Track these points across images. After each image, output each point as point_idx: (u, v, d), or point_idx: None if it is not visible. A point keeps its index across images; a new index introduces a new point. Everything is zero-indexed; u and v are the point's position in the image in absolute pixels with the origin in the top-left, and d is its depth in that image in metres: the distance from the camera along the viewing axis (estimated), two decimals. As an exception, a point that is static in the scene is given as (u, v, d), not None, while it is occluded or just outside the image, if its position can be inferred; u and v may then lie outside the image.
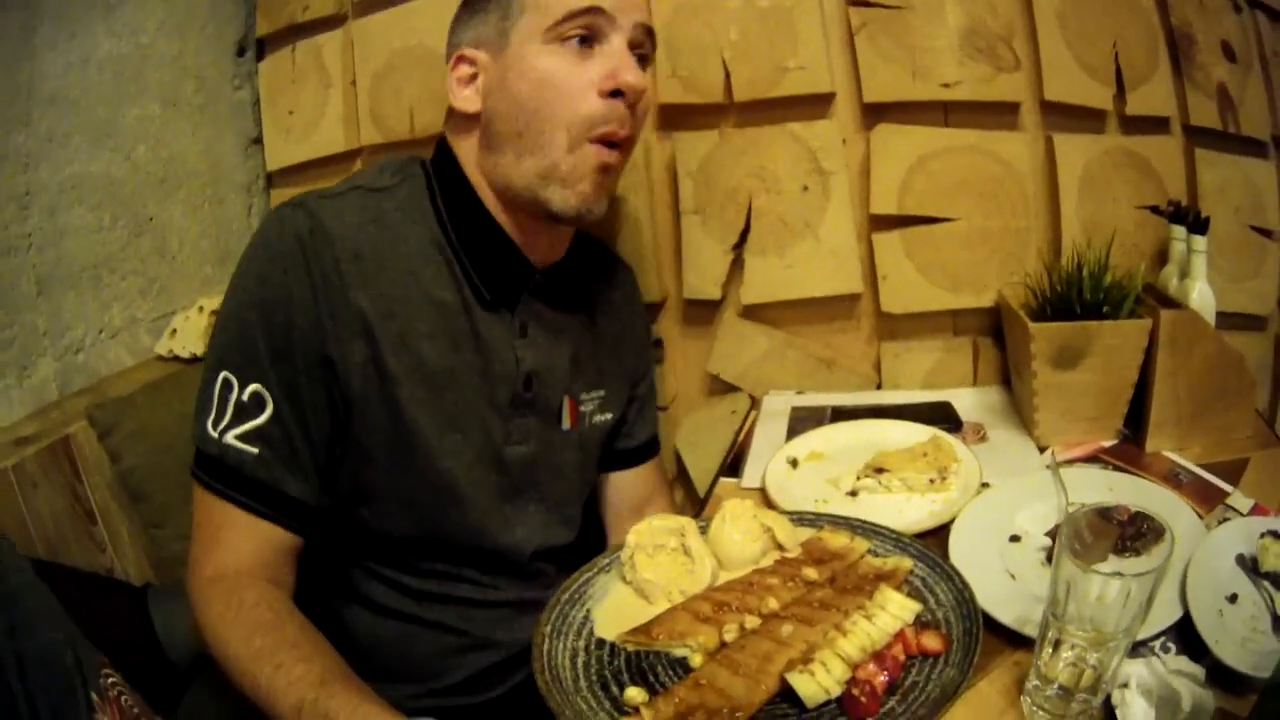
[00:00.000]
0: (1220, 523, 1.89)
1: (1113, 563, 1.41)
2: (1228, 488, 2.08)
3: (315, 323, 1.81)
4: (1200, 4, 2.62)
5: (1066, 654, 1.39)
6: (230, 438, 1.81)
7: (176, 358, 2.65)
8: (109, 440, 2.29)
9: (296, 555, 1.92)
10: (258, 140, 3.19)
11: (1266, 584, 1.65)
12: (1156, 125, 2.66)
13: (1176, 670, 1.43)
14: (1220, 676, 1.45)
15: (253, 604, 1.74)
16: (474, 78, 1.96)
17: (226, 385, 1.82)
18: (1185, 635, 1.57)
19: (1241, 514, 1.96)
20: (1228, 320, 2.44)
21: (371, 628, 2.06)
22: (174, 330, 2.68)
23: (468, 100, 1.97)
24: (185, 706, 2.08)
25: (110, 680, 1.24)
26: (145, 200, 2.73)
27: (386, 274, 1.89)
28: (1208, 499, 2.03)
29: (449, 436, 1.98)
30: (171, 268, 2.82)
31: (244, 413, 1.82)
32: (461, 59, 1.97)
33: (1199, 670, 1.45)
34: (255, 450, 1.82)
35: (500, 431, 2.06)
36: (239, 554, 1.83)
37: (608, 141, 1.91)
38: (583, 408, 2.24)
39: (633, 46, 1.94)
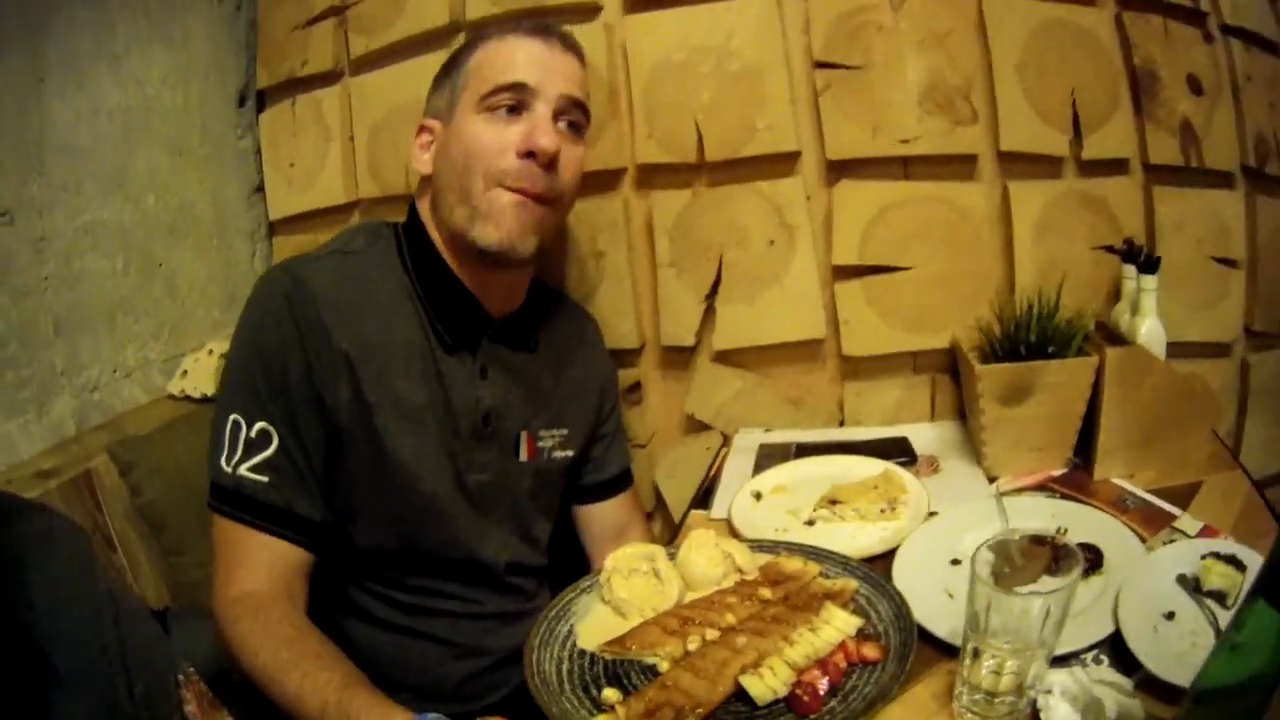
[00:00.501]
0: (1165, 544, 2.05)
1: (1045, 583, 1.57)
2: (1176, 511, 2.21)
3: (305, 365, 2.10)
4: (1166, 39, 2.75)
5: (988, 662, 1.56)
6: (243, 470, 2.08)
7: (188, 397, 2.81)
8: (130, 476, 2.45)
9: (309, 571, 2.17)
10: (260, 189, 3.33)
11: (1210, 602, 1.79)
12: (1114, 167, 2.80)
13: (1099, 679, 1.57)
14: (1155, 688, 1.59)
15: (277, 620, 1.98)
16: (430, 144, 2.30)
17: (236, 425, 2.10)
18: (1118, 651, 1.71)
19: (1189, 535, 2.09)
20: (1187, 349, 2.62)
21: (369, 639, 2.30)
22: (185, 371, 2.86)
23: (424, 163, 2.31)
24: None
25: (189, 668, 1.41)
26: (155, 246, 2.87)
27: (363, 321, 2.16)
28: (1153, 523, 2.17)
29: (421, 461, 2.24)
30: (181, 310, 2.97)
31: (253, 447, 2.09)
32: (422, 128, 2.32)
33: (1125, 680, 1.60)
34: (266, 479, 2.09)
35: (464, 460, 2.32)
36: (259, 573, 2.07)
37: (519, 191, 2.19)
38: (541, 443, 2.48)
39: (559, 114, 2.21)
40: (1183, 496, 2.28)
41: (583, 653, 1.94)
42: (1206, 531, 2.10)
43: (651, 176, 3.00)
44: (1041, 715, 1.55)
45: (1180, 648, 1.67)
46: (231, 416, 2.10)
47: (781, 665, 1.74)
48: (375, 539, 2.27)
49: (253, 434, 2.09)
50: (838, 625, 1.86)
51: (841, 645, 1.81)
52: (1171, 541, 2.08)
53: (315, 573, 2.20)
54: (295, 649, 1.92)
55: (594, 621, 2.04)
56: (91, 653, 1.27)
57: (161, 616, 2.36)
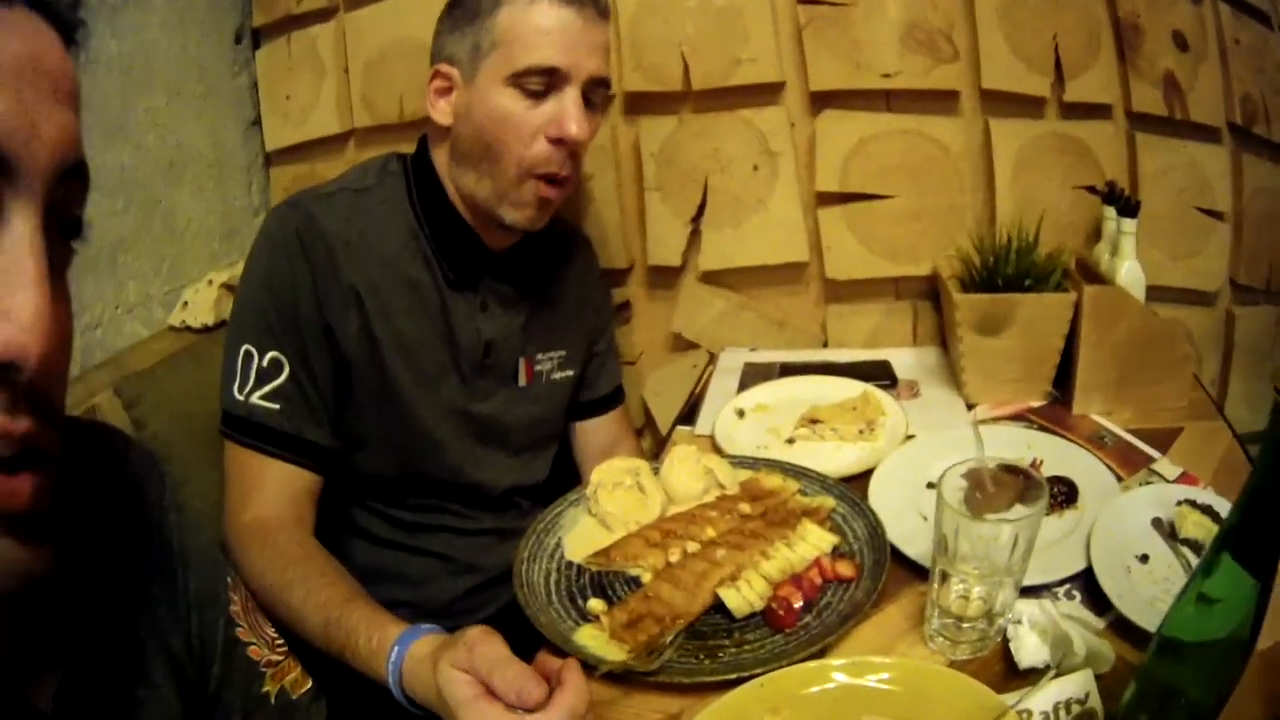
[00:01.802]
0: (1141, 485, 2.02)
1: (1017, 511, 1.55)
2: (1155, 454, 2.18)
3: (315, 298, 2.10)
4: None
5: (956, 587, 1.57)
6: (255, 398, 2.09)
7: (189, 328, 2.76)
8: (134, 410, 2.40)
9: (317, 495, 2.18)
10: (256, 122, 3.29)
11: (1186, 550, 1.75)
12: (1096, 111, 2.77)
13: (1068, 614, 1.54)
14: (1125, 630, 1.57)
15: (285, 542, 2.01)
16: (448, 91, 2.19)
17: (248, 355, 2.09)
18: (1091, 589, 1.69)
19: (1166, 480, 2.06)
20: (1168, 294, 2.63)
21: (371, 556, 2.33)
22: (185, 303, 2.80)
23: (442, 113, 2.20)
24: None
25: (233, 577, 1.39)
26: (154, 184, 2.82)
27: (371, 258, 2.16)
28: (1130, 463, 2.15)
29: (425, 393, 2.26)
30: (181, 245, 2.92)
31: (265, 376, 2.09)
32: (438, 73, 2.19)
33: (1092, 617, 1.61)
34: (277, 406, 2.09)
35: (466, 391, 2.33)
36: (270, 498, 2.08)
37: (549, 178, 2.16)
38: (539, 366, 2.48)
39: (586, 93, 2.15)
40: (1163, 440, 2.26)
41: (569, 564, 1.96)
42: (1185, 478, 2.07)
43: (638, 104, 2.98)
44: (1011, 644, 1.55)
45: (1152, 593, 1.66)
46: (244, 347, 2.10)
47: (758, 579, 1.75)
48: (380, 465, 2.29)
49: (264, 363, 2.10)
50: (813, 542, 1.87)
51: (817, 562, 1.82)
52: (1148, 483, 2.06)
53: (321, 495, 2.21)
54: (301, 568, 1.93)
55: (581, 534, 2.05)
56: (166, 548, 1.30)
57: None
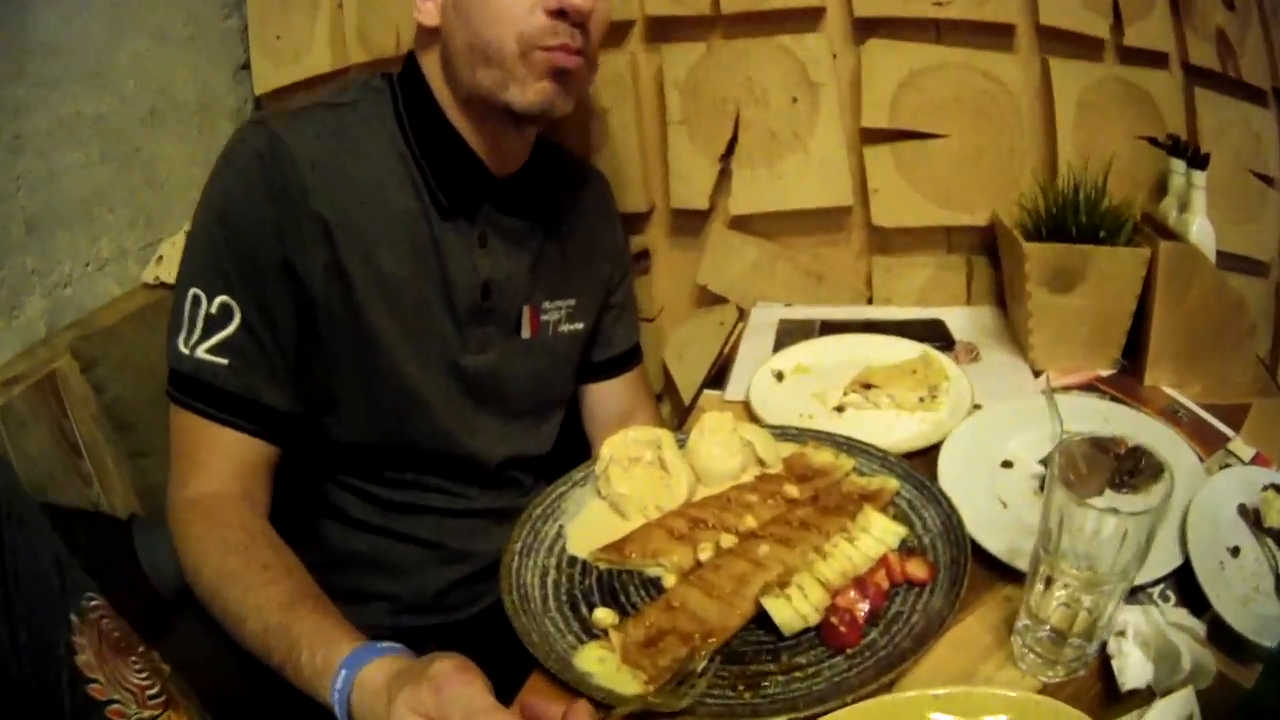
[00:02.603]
0: (1221, 468, 1.79)
1: (1108, 498, 1.31)
2: (1229, 432, 1.96)
3: (275, 230, 1.78)
4: None
5: (1059, 593, 1.30)
6: (201, 352, 1.78)
7: (164, 284, 2.57)
8: (93, 373, 2.22)
9: (273, 468, 1.88)
10: (245, 66, 3.10)
11: (1270, 541, 1.54)
12: (1155, 59, 2.51)
13: (1175, 623, 1.32)
14: (1219, 636, 1.36)
15: (227, 524, 1.71)
16: None
17: (195, 301, 1.78)
18: (1184, 585, 1.48)
19: (1243, 461, 1.84)
20: (1227, 262, 2.36)
21: (345, 541, 2.05)
22: (160, 257, 2.61)
23: (428, 14, 1.94)
24: (171, 638, 1.95)
25: (93, 603, 1.20)
26: (134, 133, 2.66)
27: (346, 182, 1.86)
28: (1208, 441, 1.92)
29: (409, 343, 1.95)
30: (160, 196, 2.75)
31: (213, 325, 1.78)
32: None
33: (1199, 626, 1.35)
34: (225, 361, 1.78)
35: (458, 340, 2.03)
36: (217, 473, 1.79)
37: (559, 49, 1.86)
38: (545, 316, 2.18)
39: None
40: (1233, 418, 2.02)
41: (573, 561, 1.63)
42: (1259, 459, 1.85)
43: (662, 29, 2.68)
44: (1113, 661, 1.31)
45: (1244, 591, 1.45)
46: (191, 291, 1.79)
47: (814, 585, 1.41)
48: (354, 431, 1.98)
49: (213, 309, 1.78)
50: (878, 534, 1.54)
51: (883, 560, 1.49)
52: (1227, 465, 1.82)
53: (286, 467, 1.92)
54: (242, 557, 1.64)
55: (587, 521, 1.74)
56: None
57: (126, 526, 2.21)
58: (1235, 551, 1.51)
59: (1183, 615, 1.36)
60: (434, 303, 1.97)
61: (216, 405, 1.79)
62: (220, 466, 1.79)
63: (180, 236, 2.57)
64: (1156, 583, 1.49)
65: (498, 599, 1.80)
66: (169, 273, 2.52)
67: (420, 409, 1.99)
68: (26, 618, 1.09)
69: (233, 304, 1.78)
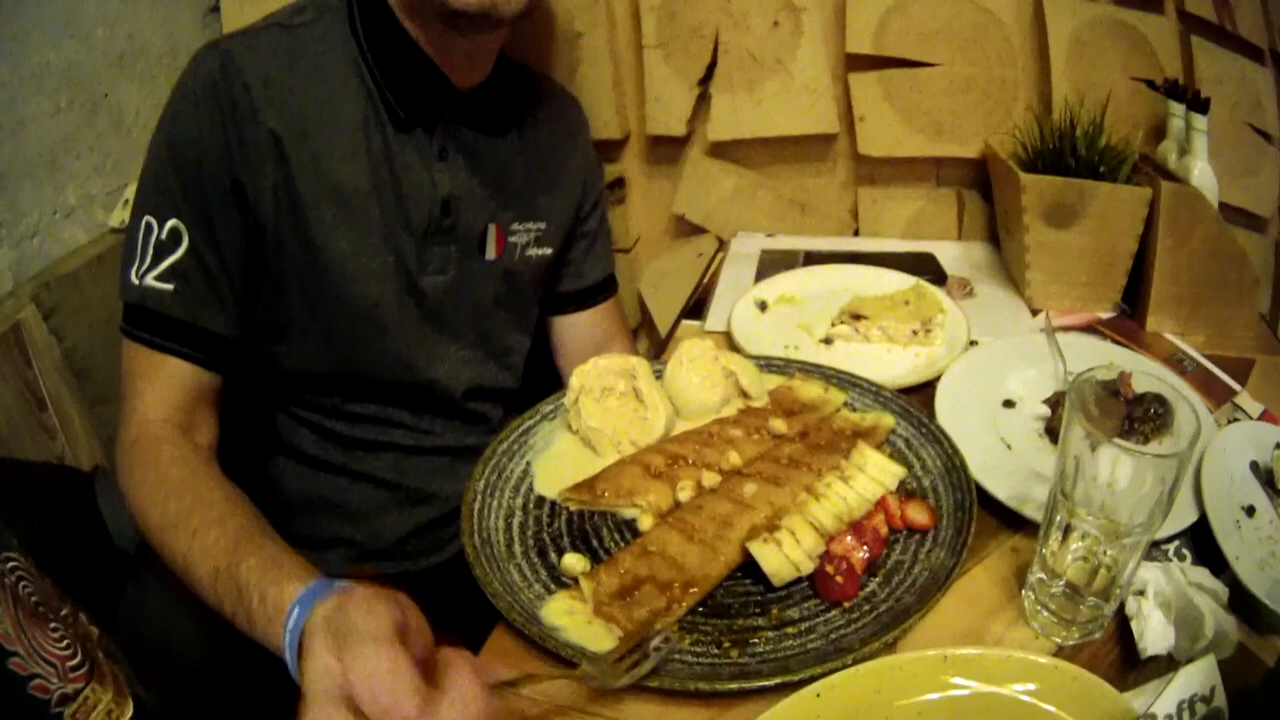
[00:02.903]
0: (1230, 422, 1.72)
1: (1176, 439, 1.22)
2: (1235, 385, 1.90)
3: (224, 149, 1.71)
4: None
5: (1076, 545, 1.22)
6: (150, 279, 1.72)
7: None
8: (52, 320, 2.18)
9: (216, 399, 1.82)
10: (215, 9, 3.00)
11: None
12: (1150, 3, 2.39)
13: (1197, 584, 1.24)
14: (1237, 601, 1.27)
15: (168, 462, 1.62)
16: None
17: (148, 229, 1.73)
18: (1200, 544, 1.41)
19: (1251, 417, 1.78)
20: (1227, 214, 2.26)
21: (300, 482, 1.97)
22: (126, 200, 2.53)
23: None
24: (129, 595, 1.93)
25: (10, 564, 1.10)
26: (101, 79, 2.58)
27: (299, 97, 1.78)
28: (1214, 394, 1.87)
29: (362, 261, 1.85)
30: (127, 141, 2.66)
31: (162, 251, 1.73)
32: None
33: (1222, 589, 1.27)
34: (170, 287, 1.72)
35: (415, 259, 1.92)
36: (156, 402, 1.73)
37: None
38: (512, 238, 2.07)
39: None
40: (1238, 372, 1.97)
41: (541, 501, 1.52)
42: (1266, 416, 1.80)
43: None
44: (1132, 624, 1.22)
45: (1261, 553, 1.37)
46: (144, 219, 1.73)
47: (806, 529, 1.28)
48: (307, 359, 1.90)
49: (163, 235, 1.72)
50: (874, 474, 1.42)
51: (881, 503, 1.37)
52: (1235, 420, 1.76)
53: (238, 403, 1.88)
54: (185, 499, 1.54)
55: (556, 458, 1.62)
56: None
57: (89, 478, 2.15)
58: (1250, 511, 1.44)
59: (1204, 575, 1.28)
60: (390, 218, 1.87)
61: (159, 332, 1.72)
62: (159, 395, 1.72)
63: None
64: (1172, 539, 1.41)
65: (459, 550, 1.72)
66: None
67: (376, 333, 1.90)
68: None
69: (181, 227, 1.71)
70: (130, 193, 2.48)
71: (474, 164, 1.95)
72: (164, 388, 1.73)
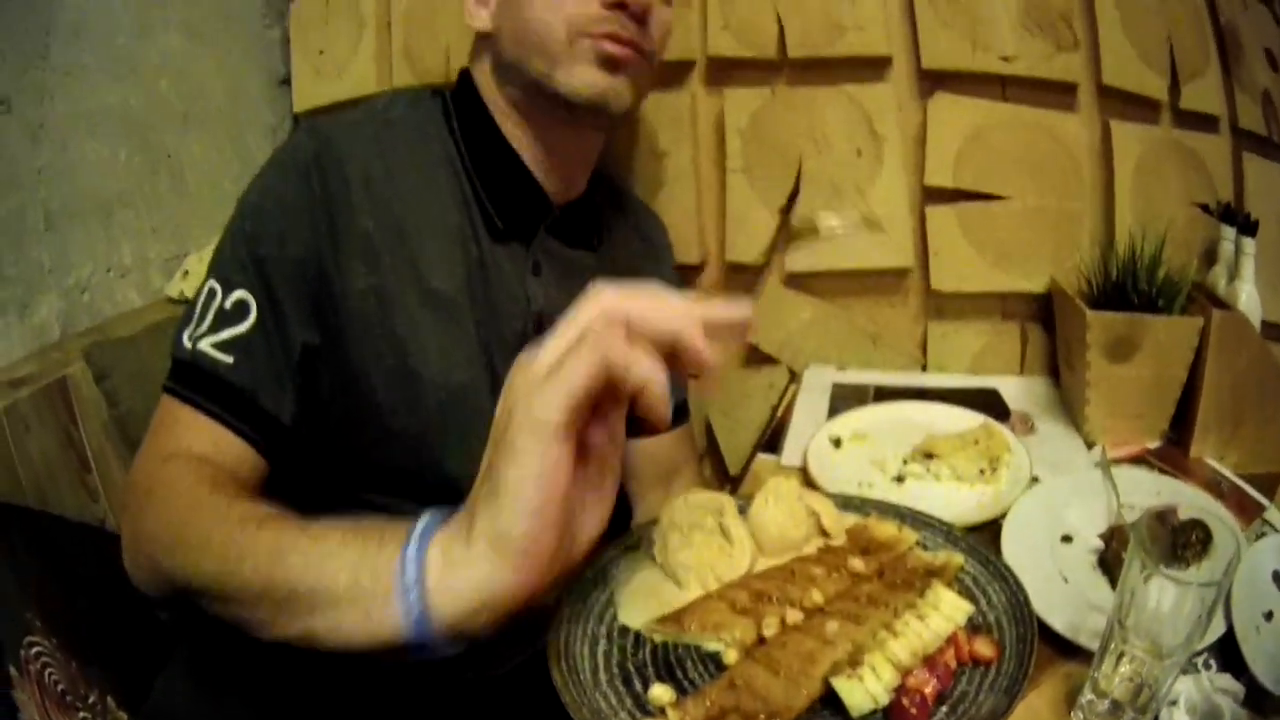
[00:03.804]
0: (1259, 537, 1.80)
1: (1214, 567, 1.32)
2: (1264, 500, 1.97)
3: (312, 238, 1.72)
4: (1245, 9, 2.50)
5: (1125, 668, 1.31)
6: (205, 344, 1.68)
7: (187, 300, 2.47)
8: (106, 383, 2.20)
9: (259, 485, 1.71)
10: (286, 81, 3.09)
11: None
12: (1207, 123, 2.55)
13: (1221, 688, 1.37)
14: (1254, 696, 1.39)
15: (192, 484, 1.53)
16: None
17: (211, 293, 1.71)
18: (1224, 650, 1.50)
19: (1277, 529, 1.85)
20: (1268, 331, 2.37)
21: None
22: (186, 271, 2.59)
23: (481, 19, 1.96)
24: (166, 674, 1.89)
25: (36, 650, 1.15)
26: (164, 135, 2.64)
27: (397, 198, 1.81)
28: (1246, 511, 1.93)
29: (452, 371, 1.87)
30: (189, 206, 2.73)
31: (225, 320, 1.69)
32: None
33: (1239, 688, 1.39)
34: (230, 359, 1.68)
35: (504, 370, 1.82)
36: (188, 456, 1.61)
37: (609, 37, 1.84)
38: None
39: None
40: (1266, 486, 2.03)
41: (625, 631, 1.53)
42: None
43: (724, 72, 2.69)
44: None
45: (1274, 650, 1.46)
46: (209, 283, 1.73)
47: (886, 665, 1.36)
48: (381, 455, 1.87)
49: (228, 304, 1.70)
50: (947, 612, 1.49)
51: (952, 639, 1.45)
52: (1263, 534, 1.84)
53: (296, 489, 1.69)
54: (218, 510, 1.45)
55: (641, 590, 1.63)
56: None
57: None
58: (1269, 616, 1.52)
59: (1227, 680, 1.41)
60: (483, 329, 1.92)
61: (209, 394, 1.67)
62: (192, 451, 1.62)
63: (208, 252, 2.51)
64: (1200, 652, 1.50)
65: (528, 658, 1.79)
66: (194, 288, 2.46)
67: (458, 440, 1.88)
68: None
69: (250, 301, 1.70)
70: (190, 264, 2.58)
71: (564, 280, 2.01)
72: (208, 449, 1.64)
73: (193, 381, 1.67)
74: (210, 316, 1.69)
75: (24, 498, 1.97)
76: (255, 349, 1.69)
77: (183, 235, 2.70)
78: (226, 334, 1.68)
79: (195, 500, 1.47)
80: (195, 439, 1.64)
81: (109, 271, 2.46)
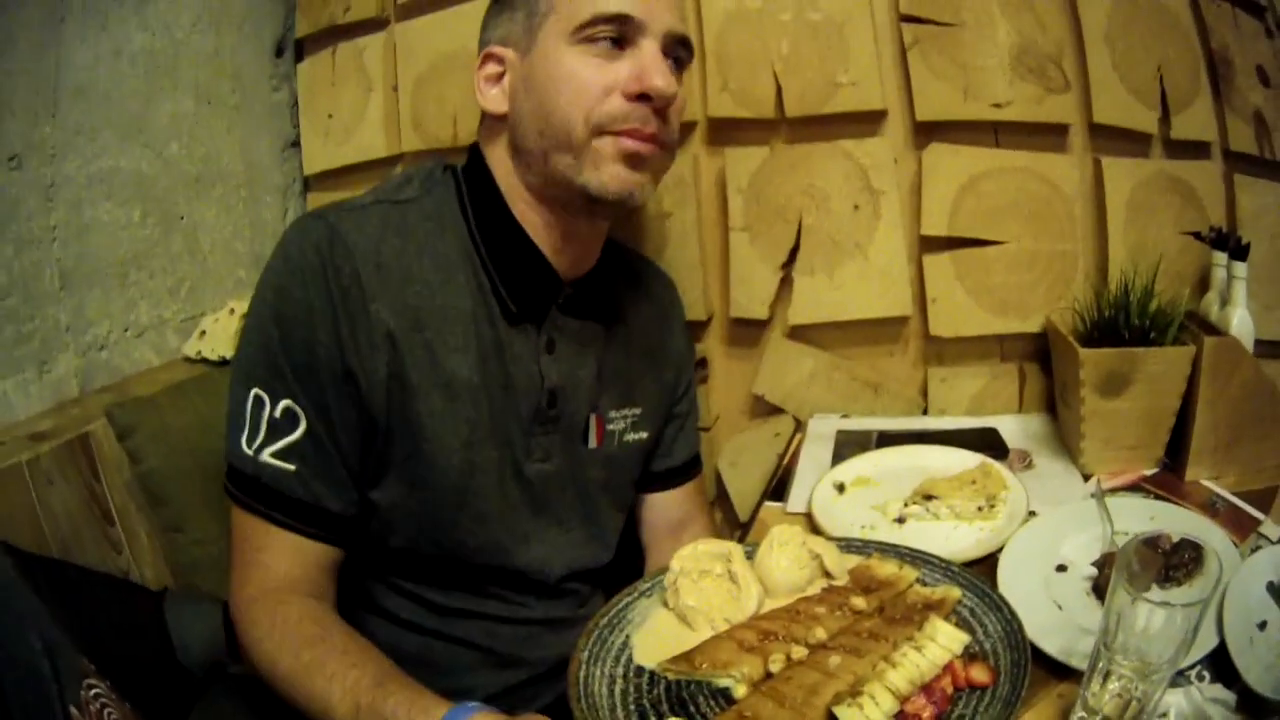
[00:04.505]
0: (1253, 550, 1.89)
1: (1155, 593, 1.40)
2: (1259, 515, 2.06)
3: (336, 337, 1.80)
4: (1236, 27, 2.56)
5: (1113, 685, 1.38)
6: (266, 456, 1.82)
7: (205, 360, 2.61)
8: (129, 441, 2.26)
9: (336, 568, 1.92)
10: (295, 143, 3.16)
11: None
12: (1198, 150, 2.62)
13: (1212, 698, 1.46)
14: (1247, 703, 1.46)
15: (296, 620, 1.75)
16: (501, 77, 1.95)
17: (258, 402, 1.82)
18: (1217, 661, 1.56)
19: (1272, 541, 1.94)
20: (1261, 349, 2.42)
21: (392, 640, 1.96)
22: (203, 332, 2.65)
23: (494, 100, 1.96)
24: (198, 715, 2.06)
25: (94, 691, 1.20)
26: (177, 198, 2.70)
27: (411, 285, 1.87)
28: (1241, 527, 2.02)
29: (467, 451, 1.95)
30: (203, 268, 2.80)
31: (278, 429, 1.82)
32: (489, 57, 1.96)
33: (1231, 697, 1.47)
34: (292, 468, 1.82)
35: (522, 448, 2.03)
36: (278, 571, 1.83)
37: (629, 134, 1.87)
38: (611, 425, 2.20)
39: (665, 53, 1.90)
40: (1262, 501, 2.13)
41: (640, 670, 1.66)
42: None
43: (724, 132, 2.78)
44: None
45: (1269, 659, 1.53)
46: (253, 391, 1.82)
47: (884, 693, 1.46)
48: (406, 540, 1.99)
49: (277, 414, 1.82)
50: (943, 642, 1.59)
51: (948, 667, 1.55)
52: (1258, 548, 1.93)
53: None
54: (319, 648, 1.69)
55: (654, 632, 1.76)
56: None
57: (158, 598, 2.23)
58: (1263, 625, 1.59)
59: (1218, 690, 1.50)
60: (498, 410, 1.97)
61: (281, 509, 1.83)
62: (282, 567, 1.83)
63: (223, 313, 2.63)
64: (1193, 665, 1.57)
65: (550, 701, 1.91)
66: (211, 349, 2.58)
67: (477, 521, 1.99)
68: (20, 711, 1.09)
69: (298, 410, 1.81)
70: (207, 324, 2.62)
71: (577, 354, 2.07)
72: (286, 561, 1.83)
73: (260, 494, 1.83)
74: (264, 426, 1.82)
75: (47, 549, 2.05)
76: (310, 455, 1.83)
77: (198, 296, 2.77)
78: (283, 443, 1.82)
79: (293, 661, 1.70)
80: (277, 557, 1.84)
81: (126, 330, 2.54)
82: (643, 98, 1.85)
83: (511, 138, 1.96)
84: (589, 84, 1.84)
